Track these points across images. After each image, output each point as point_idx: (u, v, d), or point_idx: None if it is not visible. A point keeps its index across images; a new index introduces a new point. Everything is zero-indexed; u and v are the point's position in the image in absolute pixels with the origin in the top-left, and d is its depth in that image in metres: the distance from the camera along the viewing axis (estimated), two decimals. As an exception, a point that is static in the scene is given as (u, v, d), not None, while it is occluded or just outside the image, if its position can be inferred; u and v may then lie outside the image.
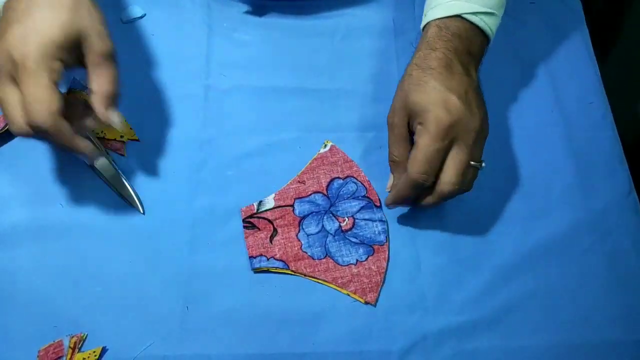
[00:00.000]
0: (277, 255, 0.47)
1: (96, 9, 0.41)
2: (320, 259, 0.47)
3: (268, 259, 0.46)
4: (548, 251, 0.49)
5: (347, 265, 0.47)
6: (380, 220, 0.49)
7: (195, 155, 0.51)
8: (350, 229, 0.48)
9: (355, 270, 0.47)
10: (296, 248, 0.47)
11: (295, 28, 0.57)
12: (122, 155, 0.50)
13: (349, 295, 0.47)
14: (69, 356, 0.43)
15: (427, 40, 0.45)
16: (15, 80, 0.38)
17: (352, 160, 0.51)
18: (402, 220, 0.50)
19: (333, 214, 0.49)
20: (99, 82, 0.41)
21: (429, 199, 0.45)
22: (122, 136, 0.51)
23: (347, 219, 0.49)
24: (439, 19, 0.45)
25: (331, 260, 0.47)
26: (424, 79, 0.43)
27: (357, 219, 0.49)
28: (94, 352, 0.43)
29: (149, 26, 0.56)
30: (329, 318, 0.46)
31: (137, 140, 0.51)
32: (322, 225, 0.48)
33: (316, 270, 0.47)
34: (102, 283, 0.45)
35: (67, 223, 0.47)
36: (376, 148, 0.52)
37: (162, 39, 0.56)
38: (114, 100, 0.42)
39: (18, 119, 0.39)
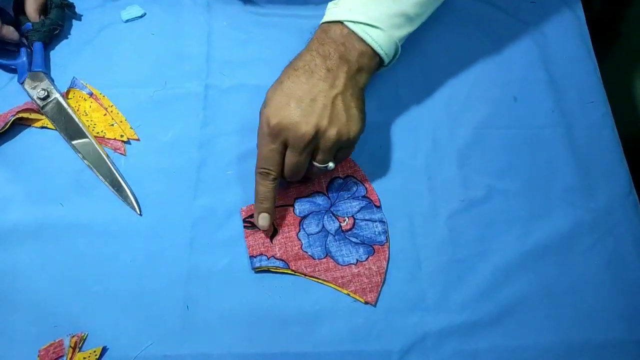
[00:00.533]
0: (278, 255, 0.47)
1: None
2: (321, 259, 0.47)
3: (268, 259, 0.46)
4: (548, 251, 0.49)
5: (347, 265, 0.47)
6: (381, 221, 0.49)
7: (195, 155, 0.51)
8: (351, 229, 0.48)
9: (356, 270, 0.47)
10: (296, 248, 0.47)
11: (296, 26, 0.57)
12: (123, 154, 0.50)
13: (349, 295, 0.47)
14: (69, 356, 0.43)
15: (309, 40, 0.47)
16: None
17: (352, 160, 0.51)
18: (403, 219, 0.50)
19: (333, 214, 0.49)
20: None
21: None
22: (122, 135, 0.51)
23: (347, 219, 0.49)
24: (325, 22, 0.46)
25: (331, 260, 0.47)
26: (283, 78, 0.45)
27: (357, 219, 0.49)
28: (95, 351, 0.43)
29: (149, 25, 0.56)
30: (329, 318, 0.46)
31: (137, 139, 0.51)
32: (323, 225, 0.48)
33: (316, 270, 0.47)
34: (103, 282, 0.45)
35: (67, 223, 0.47)
36: (376, 148, 0.52)
37: (162, 38, 0.56)
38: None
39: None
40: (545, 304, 0.48)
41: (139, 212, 0.48)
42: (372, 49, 0.45)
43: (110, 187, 0.48)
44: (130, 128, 0.51)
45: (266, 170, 0.45)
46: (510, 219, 0.50)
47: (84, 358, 0.43)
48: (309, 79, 0.44)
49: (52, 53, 0.55)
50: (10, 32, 0.51)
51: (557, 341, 0.47)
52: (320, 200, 0.49)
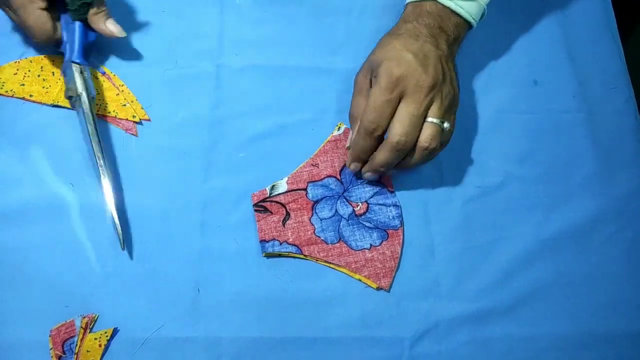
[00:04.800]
0: (290, 240, 0.46)
1: None
2: (334, 244, 0.46)
3: (281, 244, 0.46)
4: (567, 239, 0.48)
5: (360, 250, 0.46)
6: (394, 205, 0.48)
7: (207, 136, 0.50)
8: (364, 213, 0.48)
9: (369, 255, 0.46)
10: (309, 232, 0.47)
11: (310, 5, 0.56)
12: (134, 135, 0.50)
13: (360, 280, 0.46)
14: (80, 336, 0.43)
15: (402, 17, 0.48)
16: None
17: None
18: (417, 205, 0.49)
19: (346, 199, 0.48)
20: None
21: (403, 162, 0.46)
22: (134, 116, 0.50)
23: (360, 204, 0.48)
24: (415, 1, 0.48)
25: (344, 244, 0.46)
26: (388, 41, 0.46)
27: (371, 203, 0.48)
28: (105, 332, 0.43)
29: (159, 3, 0.55)
30: (340, 303, 0.46)
31: (149, 120, 0.50)
32: (336, 210, 0.48)
33: (329, 254, 0.46)
34: (114, 264, 0.45)
35: (78, 203, 0.47)
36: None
37: (173, 16, 0.55)
38: (106, 11, 0.48)
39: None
40: (562, 293, 0.47)
41: (122, 247, 0.45)
42: (464, 19, 0.47)
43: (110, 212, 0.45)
44: (142, 108, 0.50)
45: (374, 125, 0.43)
46: (528, 207, 0.49)
47: (95, 339, 0.43)
48: (416, 40, 0.45)
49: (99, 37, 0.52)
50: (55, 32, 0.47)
51: (572, 331, 0.46)
52: (333, 184, 0.48)
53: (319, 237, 0.47)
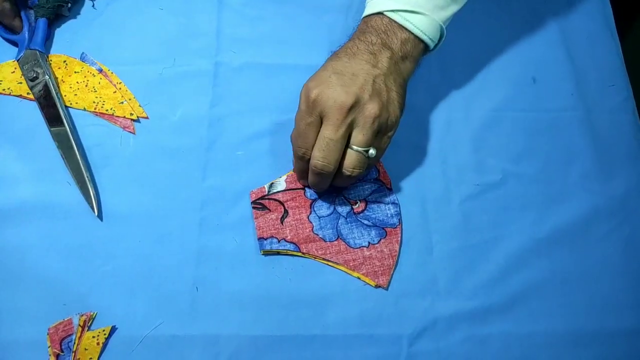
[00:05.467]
0: (288, 237, 0.46)
1: None
2: (332, 241, 0.46)
3: (279, 241, 0.46)
4: (563, 238, 0.49)
5: (358, 247, 0.46)
6: (393, 203, 0.48)
7: (205, 134, 0.50)
8: (362, 211, 0.48)
9: (367, 253, 0.46)
10: (307, 230, 0.47)
11: (308, 3, 0.56)
12: (132, 133, 0.49)
13: (359, 278, 0.46)
14: (78, 334, 0.43)
15: (353, 33, 0.46)
16: None
17: None
18: (415, 203, 0.49)
19: (345, 197, 0.48)
20: None
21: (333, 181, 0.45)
22: (132, 113, 0.50)
23: (359, 202, 0.48)
24: (366, 15, 0.45)
25: (343, 242, 0.46)
26: (325, 64, 0.44)
27: (369, 201, 0.48)
28: (104, 330, 0.43)
29: (157, 0, 0.55)
30: (339, 301, 0.46)
31: (147, 117, 0.50)
32: (334, 208, 0.48)
33: (327, 252, 0.46)
34: (112, 262, 0.45)
35: (75, 201, 0.47)
36: (389, 129, 0.51)
37: (171, 14, 0.54)
38: None
39: None
40: (559, 291, 0.47)
41: (96, 213, 0.46)
42: (414, 35, 0.44)
43: (74, 181, 0.47)
44: (139, 106, 0.50)
45: (302, 150, 0.43)
46: (525, 205, 0.49)
47: (93, 337, 0.43)
48: (351, 59, 0.43)
49: (60, 28, 0.53)
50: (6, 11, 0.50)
51: (569, 329, 0.46)
52: None
53: (317, 235, 0.47)
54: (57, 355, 0.42)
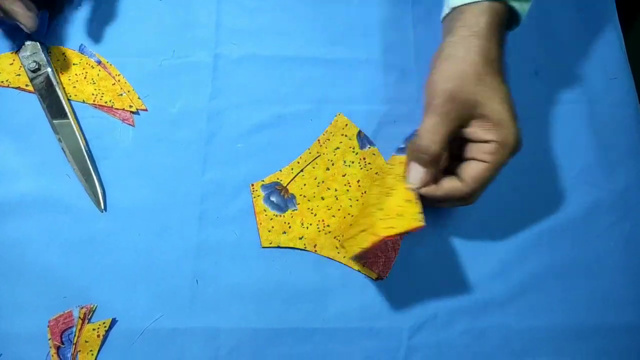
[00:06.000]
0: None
1: None
2: None
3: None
4: (565, 231, 0.48)
5: None
6: None
7: (204, 127, 0.50)
8: None
9: None
10: None
11: (311, -6, 0.55)
12: (131, 125, 0.49)
13: (360, 271, 0.46)
14: (78, 327, 0.43)
15: (483, 24, 0.41)
16: None
17: None
18: (416, 196, 0.49)
19: None
20: None
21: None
22: (131, 105, 0.49)
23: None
24: (457, 6, 0.42)
25: None
26: (497, 87, 0.40)
27: None
28: (104, 323, 0.43)
29: (156, -9, 0.54)
30: (339, 294, 0.46)
31: (146, 110, 0.50)
32: None
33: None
34: (112, 255, 0.45)
35: (75, 194, 0.47)
36: (390, 122, 0.51)
37: (170, 6, 0.54)
38: None
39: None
40: (559, 285, 0.47)
41: (102, 208, 0.46)
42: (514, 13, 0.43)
43: (79, 175, 0.47)
44: (138, 98, 0.50)
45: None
46: (527, 198, 0.49)
47: (93, 329, 0.43)
48: (502, 81, 0.41)
49: (58, 20, 0.53)
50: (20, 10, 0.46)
51: (569, 323, 0.46)
52: None
53: None
54: (58, 348, 0.42)
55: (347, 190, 0.48)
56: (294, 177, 0.48)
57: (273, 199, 0.48)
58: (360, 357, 0.44)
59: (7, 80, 0.49)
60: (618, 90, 0.54)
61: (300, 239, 0.47)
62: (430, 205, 0.42)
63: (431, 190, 0.41)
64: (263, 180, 0.48)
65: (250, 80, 0.52)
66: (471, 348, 0.45)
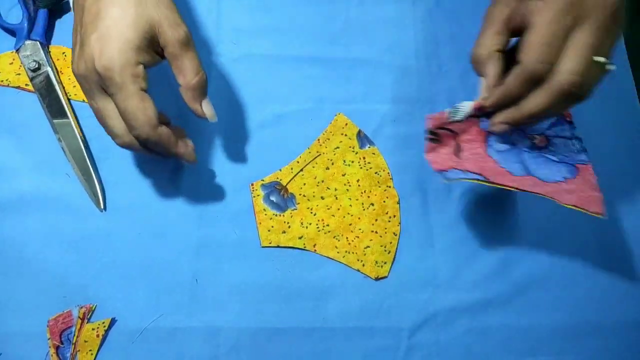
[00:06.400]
0: (471, 169, 0.41)
1: None
2: (522, 175, 0.41)
3: (464, 172, 0.40)
4: (565, 229, 0.48)
5: (554, 182, 0.41)
6: (577, 138, 0.43)
7: (205, 126, 0.50)
8: (546, 146, 0.43)
9: (567, 187, 0.41)
10: (491, 163, 0.41)
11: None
12: (130, 124, 0.49)
13: (359, 271, 0.46)
14: (78, 326, 0.43)
15: None
16: (105, 90, 0.38)
17: None
18: (416, 195, 0.49)
19: (522, 130, 0.43)
20: (184, 74, 0.39)
21: (536, 104, 0.37)
22: (129, 105, 0.49)
23: (538, 137, 0.43)
24: None
25: (534, 177, 0.41)
26: None
27: (550, 136, 0.43)
28: (103, 323, 0.43)
29: (156, -10, 0.54)
30: (339, 293, 0.46)
31: (145, 109, 0.50)
32: (512, 142, 0.43)
33: (521, 184, 0.40)
34: (111, 254, 0.45)
35: (74, 193, 0.47)
36: (390, 122, 0.51)
37: (171, 4, 0.54)
38: (203, 89, 0.40)
39: (121, 131, 0.39)
40: (559, 283, 0.47)
41: (102, 207, 0.46)
42: None
43: (78, 174, 0.47)
44: (138, 97, 0.50)
45: (546, 66, 0.35)
46: (526, 196, 0.49)
47: (93, 329, 0.43)
48: None
49: (59, 20, 0.53)
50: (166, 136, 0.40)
51: (570, 321, 0.46)
52: None
53: (504, 168, 0.41)
54: (57, 347, 0.42)
55: (347, 189, 0.48)
56: (293, 177, 0.48)
57: (273, 198, 0.48)
58: (360, 356, 0.44)
59: (7, 80, 0.50)
60: (618, 88, 0.54)
61: (300, 238, 0.46)
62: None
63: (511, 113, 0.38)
64: (263, 180, 0.48)
65: (250, 80, 0.52)
66: (471, 347, 0.45)
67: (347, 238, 0.47)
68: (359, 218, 0.47)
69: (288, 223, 0.47)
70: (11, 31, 0.51)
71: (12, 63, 0.50)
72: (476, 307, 0.46)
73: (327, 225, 0.47)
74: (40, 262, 0.45)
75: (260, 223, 0.47)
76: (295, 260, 0.46)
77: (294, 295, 0.45)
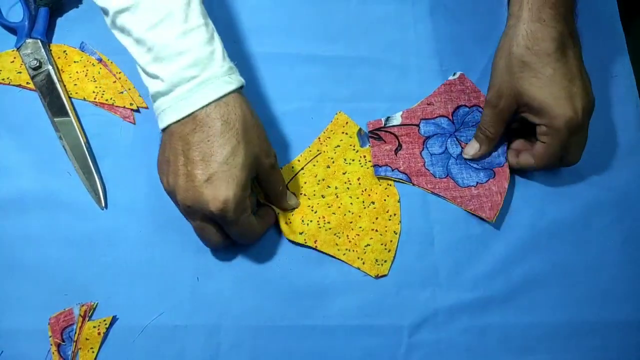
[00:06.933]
0: (401, 168, 0.49)
1: (253, 117, 0.41)
2: (441, 178, 0.49)
3: (392, 170, 0.48)
4: (565, 228, 0.48)
5: (466, 187, 0.48)
6: (503, 143, 0.50)
7: (206, 124, 0.50)
8: None
9: (475, 192, 0.48)
10: (419, 164, 0.49)
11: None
12: (132, 123, 0.49)
13: (359, 269, 0.46)
14: (79, 324, 0.43)
15: (530, 6, 0.43)
16: (212, 219, 0.40)
17: (480, 91, 0.51)
18: (416, 194, 0.49)
19: (457, 139, 0.50)
20: (273, 188, 0.44)
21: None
22: (132, 103, 0.49)
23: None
24: None
25: (452, 180, 0.49)
26: (541, 70, 0.42)
27: None
28: (104, 321, 0.43)
29: (157, -11, 0.54)
30: (339, 291, 0.46)
31: (147, 107, 0.50)
32: (446, 147, 0.50)
33: (437, 187, 0.48)
34: (113, 252, 0.45)
35: (76, 192, 0.47)
36: (391, 120, 0.51)
37: (171, 3, 0.54)
38: (285, 193, 0.46)
39: (219, 244, 0.42)
40: (559, 282, 0.47)
41: (103, 205, 0.46)
42: None
43: (79, 173, 0.47)
44: (139, 96, 0.50)
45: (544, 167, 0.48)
46: (526, 195, 0.49)
47: (94, 327, 0.43)
48: (566, 61, 0.44)
49: (60, 18, 0.53)
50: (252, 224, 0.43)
51: (569, 320, 0.46)
52: (445, 124, 0.50)
53: (428, 170, 0.49)
54: (58, 345, 0.42)
55: (348, 188, 0.48)
56: (294, 175, 0.48)
57: (273, 196, 0.48)
58: (361, 355, 0.44)
59: (8, 78, 0.50)
60: (619, 88, 0.54)
61: (301, 234, 0.47)
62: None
63: (512, 163, 0.48)
64: (263, 178, 0.48)
65: (251, 79, 0.52)
66: (471, 346, 0.45)
67: (347, 236, 0.47)
68: (360, 216, 0.48)
69: (289, 219, 0.47)
70: (12, 29, 0.51)
71: (13, 61, 0.50)
72: (476, 305, 0.46)
73: (328, 222, 0.47)
74: (42, 260, 0.45)
75: (261, 221, 0.47)
76: (296, 258, 0.46)
77: (294, 294, 0.45)
